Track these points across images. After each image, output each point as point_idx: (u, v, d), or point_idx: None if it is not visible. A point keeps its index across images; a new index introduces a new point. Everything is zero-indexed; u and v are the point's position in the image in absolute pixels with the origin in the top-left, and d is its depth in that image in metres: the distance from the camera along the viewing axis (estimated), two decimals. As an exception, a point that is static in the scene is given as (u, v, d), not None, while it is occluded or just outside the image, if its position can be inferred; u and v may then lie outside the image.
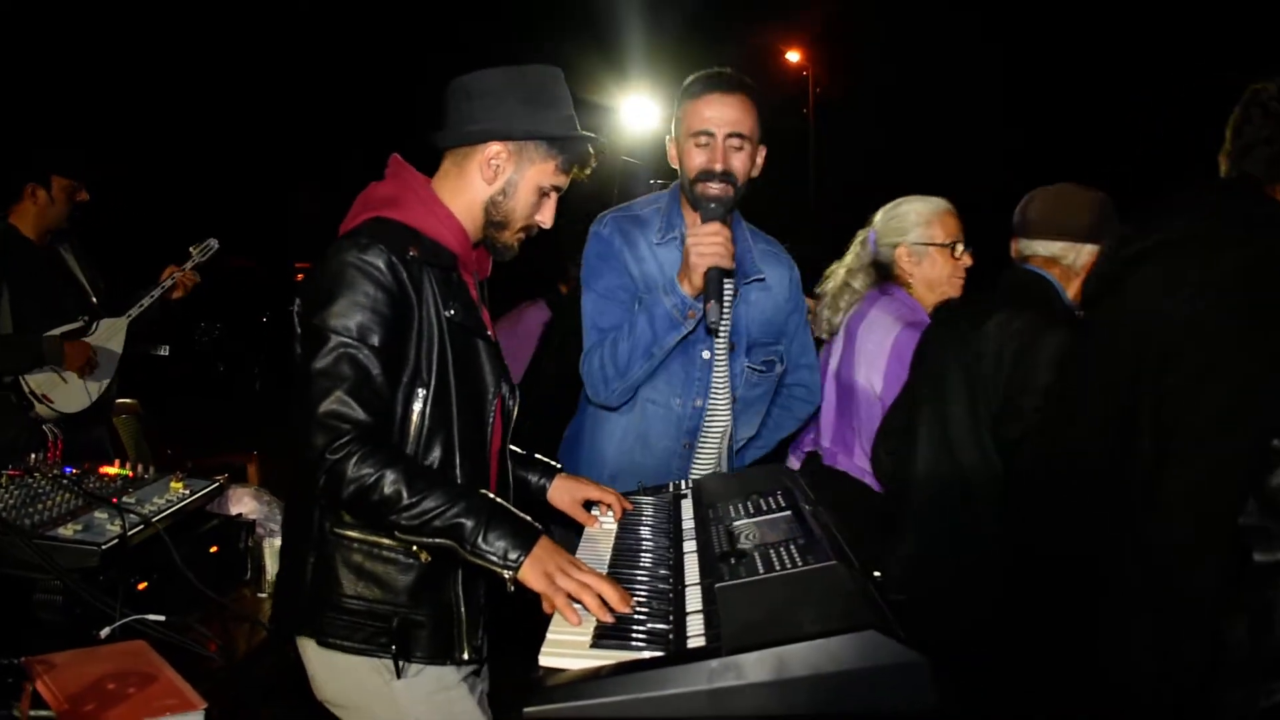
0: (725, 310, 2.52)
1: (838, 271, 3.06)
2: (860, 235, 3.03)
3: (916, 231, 2.86)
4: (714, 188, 2.45)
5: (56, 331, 3.65)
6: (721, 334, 2.60)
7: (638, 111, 13.90)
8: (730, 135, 2.47)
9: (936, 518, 2.42)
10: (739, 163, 2.49)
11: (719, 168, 2.46)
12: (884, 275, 2.93)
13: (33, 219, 3.75)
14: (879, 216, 2.98)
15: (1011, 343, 2.26)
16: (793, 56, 21.99)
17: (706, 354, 2.57)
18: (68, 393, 3.67)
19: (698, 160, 2.48)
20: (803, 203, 21.86)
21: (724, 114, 2.47)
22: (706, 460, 2.68)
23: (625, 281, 2.51)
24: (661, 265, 2.53)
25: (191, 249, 3.98)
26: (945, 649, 2.17)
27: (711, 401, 2.62)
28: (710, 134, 2.47)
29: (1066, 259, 2.46)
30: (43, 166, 3.73)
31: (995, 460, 2.31)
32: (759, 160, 2.56)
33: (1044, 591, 1.99)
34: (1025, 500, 2.17)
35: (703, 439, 2.64)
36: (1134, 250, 1.87)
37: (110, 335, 3.79)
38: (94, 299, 3.89)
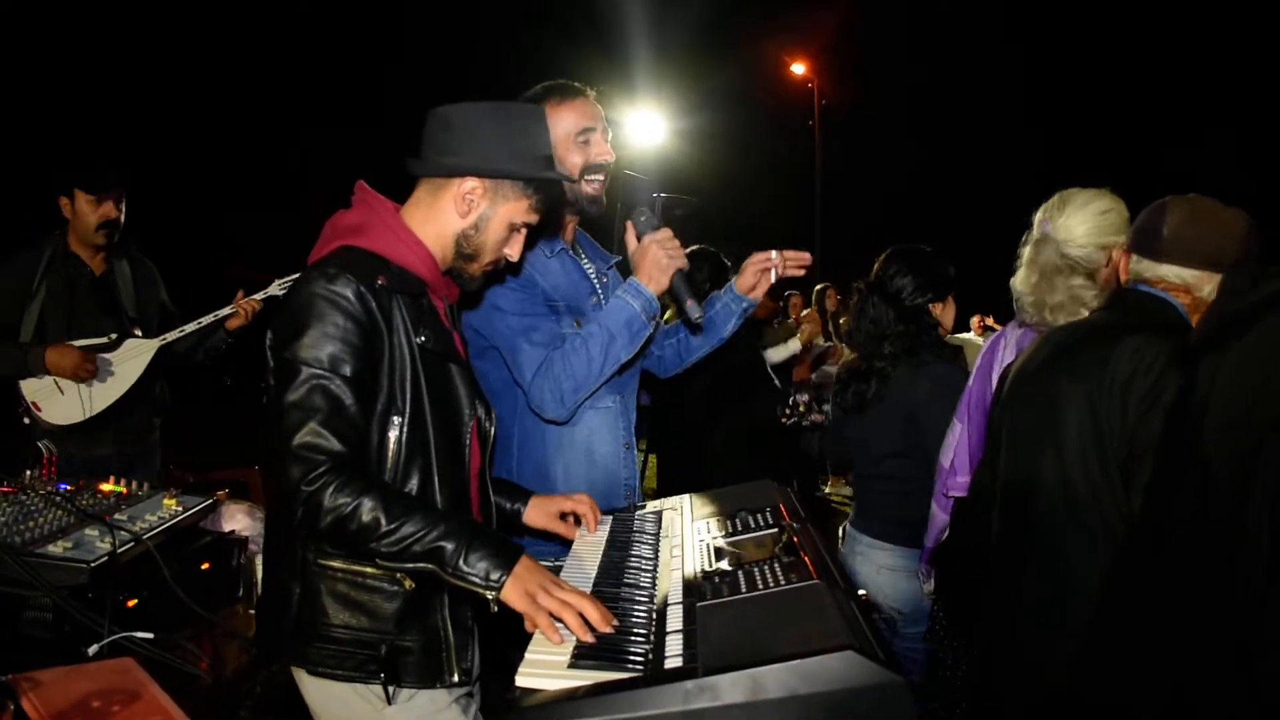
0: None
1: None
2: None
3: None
4: (600, 180, 2.52)
5: (76, 343, 3.67)
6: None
7: (643, 125, 14.00)
8: (605, 129, 2.55)
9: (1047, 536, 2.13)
10: (611, 155, 2.57)
11: (610, 158, 2.53)
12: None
13: (73, 234, 3.87)
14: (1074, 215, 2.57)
15: (1145, 376, 1.95)
16: (798, 69, 22.01)
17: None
18: (61, 404, 3.67)
19: (582, 157, 2.50)
20: (809, 215, 21.90)
21: (593, 113, 2.53)
22: (634, 460, 2.69)
23: (538, 296, 2.52)
24: (568, 275, 2.57)
25: (278, 281, 3.97)
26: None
27: (629, 392, 2.67)
28: (592, 129, 2.52)
29: (1202, 290, 2.10)
30: (64, 181, 3.83)
31: (1119, 486, 1.97)
32: None
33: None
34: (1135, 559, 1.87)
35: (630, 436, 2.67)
36: (1274, 288, 1.59)
37: (132, 355, 3.79)
38: (132, 317, 3.92)
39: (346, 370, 1.79)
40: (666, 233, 2.45)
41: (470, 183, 1.97)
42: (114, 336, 3.78)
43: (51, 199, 3.86)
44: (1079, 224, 2.54)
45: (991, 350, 2.82)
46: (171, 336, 3.84)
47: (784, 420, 5.08)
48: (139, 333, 3.88)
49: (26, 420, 3.70)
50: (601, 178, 2.53)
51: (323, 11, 21.26)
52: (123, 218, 3.91)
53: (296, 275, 3.79)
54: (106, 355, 3.75)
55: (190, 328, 3.86)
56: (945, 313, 3.28)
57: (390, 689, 1.86)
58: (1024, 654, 2.13)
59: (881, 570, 3.17)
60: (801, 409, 5.30)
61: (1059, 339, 2.24)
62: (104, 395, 3.74)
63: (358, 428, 1.81)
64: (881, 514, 3.25)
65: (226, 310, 3.89)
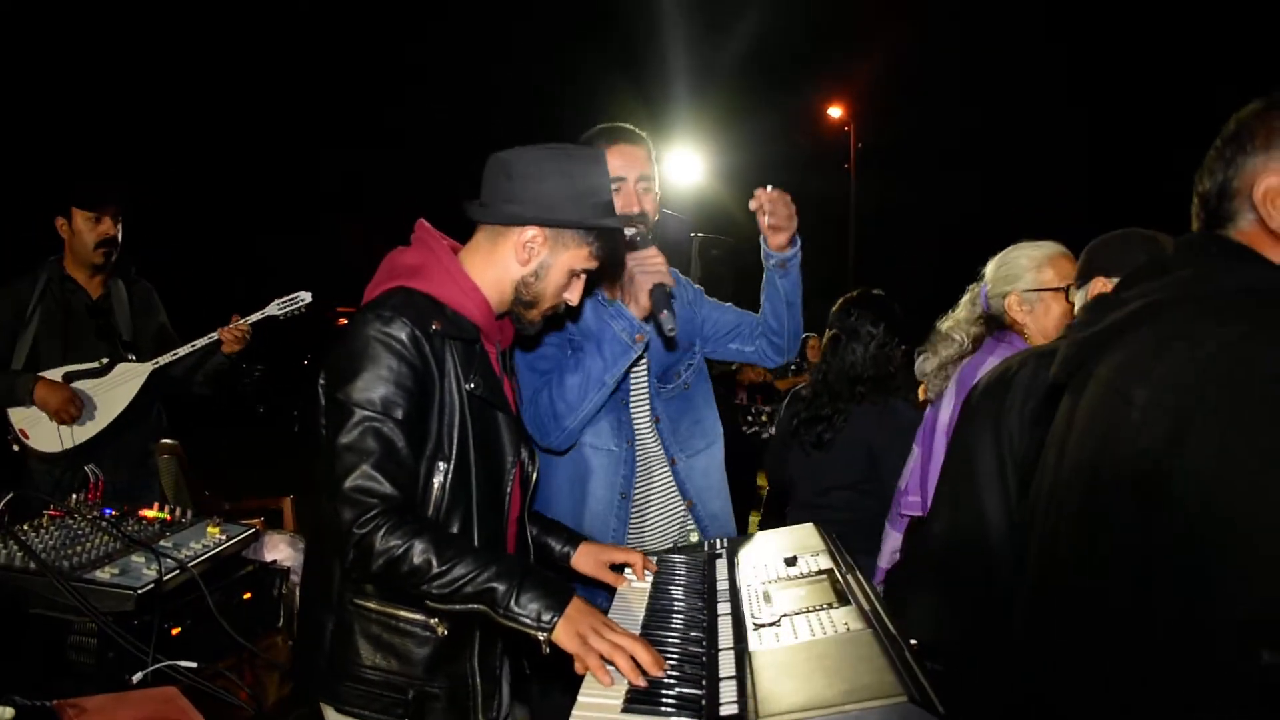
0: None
1: (940, 328, 2.93)
2: (971, 290, 2.91)
3: (1028, 277, 2.70)
4: (630, 230, 2.49)
5: (57, 371, 3.64)
6: (672, 345, 2.64)
7: (680, 165, 14.09)
8: (639, 180, 2.55)
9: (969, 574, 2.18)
10: (649, 205, 2.58)
11: (635, 210, 2.53)
12: (997, 326, 2.79)
13: (70, 257, 3.83)
14: (990, 267, 2.83)
15: (1032, 399, 2.07)
16: (834, 112, 22.11)
17: (626, 393, 2.60)
18: (48, 432, 3.62)
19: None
20: (843, 256, 21.88)
21: (632, 161, 2.55)
22: (648, 511, 2.63)
23: (560, 328, 2.52)
24: (585, 311, 2.56)
25: (276, 301, 3.87)
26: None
27: (639, 438, 2.61)
28: (623, 179, 2.52)
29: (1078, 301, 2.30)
30: (61, 201, 3.79)
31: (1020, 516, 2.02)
32: (657, 204, 2.66)
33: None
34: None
35: (638, 484, 2.61)
36: (1107, 322, 1.46)
37: (123, 381, 3.75)
38: (126, 341, 3.87)
39: (399, 413, 1.79)
40: (648, 250, 2.47)
41: (531, 231, 1.97)
42: (105, 361, 3.74)
43: (48, 222, 3.81)
44: (990, 275, 2.81)
45: (971, 374, 2.79)
46: (164, 360, 3.77)
47: (744, 428, 5.05)
48: (133, 357, 3.83)
49: (16, 448, 3.67)
50: (631, 228, 2.50)
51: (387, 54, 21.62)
52: (120, 235, 3.85)
53: (294, 294, 3.83)
54: (95, 384, 3.70)
55: (183, 351, 3.79)
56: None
57: None
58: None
59: None
60: (764, 419, 5.26)
61: (985, 377, 2.31)
62: (89, 425, 3.69)
63: (408, 470, 1.81)
64: None
65: (214, 336, 3.80)
